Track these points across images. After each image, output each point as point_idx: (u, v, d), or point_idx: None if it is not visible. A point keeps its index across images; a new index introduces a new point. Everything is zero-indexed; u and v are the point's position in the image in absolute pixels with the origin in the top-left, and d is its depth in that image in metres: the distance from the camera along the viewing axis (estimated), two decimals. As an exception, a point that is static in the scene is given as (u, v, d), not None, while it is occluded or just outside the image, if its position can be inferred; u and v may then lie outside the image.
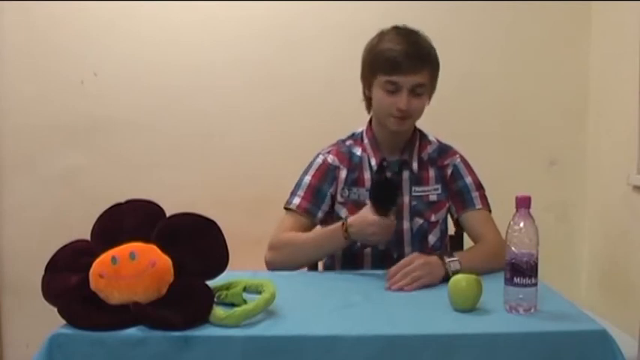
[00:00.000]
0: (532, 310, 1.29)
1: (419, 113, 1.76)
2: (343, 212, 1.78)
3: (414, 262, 1.52)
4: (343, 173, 1.81)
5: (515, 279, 1.28)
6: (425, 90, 1.72)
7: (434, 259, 1.55)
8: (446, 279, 1.49)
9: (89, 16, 2.66)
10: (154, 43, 2.68)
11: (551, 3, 2.66)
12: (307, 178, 1.82)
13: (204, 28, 2.68)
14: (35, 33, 2.68)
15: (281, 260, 1.72)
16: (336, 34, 2.67)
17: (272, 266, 1.73)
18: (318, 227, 1.81)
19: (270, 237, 1.76)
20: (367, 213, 1.60)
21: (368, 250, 1.79)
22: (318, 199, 1.80)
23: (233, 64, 2.69)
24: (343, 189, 1.80)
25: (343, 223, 1.63)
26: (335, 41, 2.68)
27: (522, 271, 1.27)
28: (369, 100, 1.82)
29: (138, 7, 2.66)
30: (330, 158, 1.83)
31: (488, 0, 2.66)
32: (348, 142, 1.86)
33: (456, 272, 1.52)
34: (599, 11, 2.65)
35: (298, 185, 1.83)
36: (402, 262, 1.54)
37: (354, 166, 1.82)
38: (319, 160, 1.84)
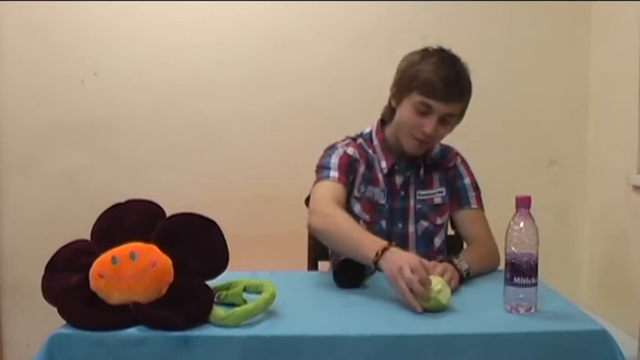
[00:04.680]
0: (532, 310, 1.29)
1: (438, 141, 1.77)
2: (357, 208, 1.77)
3: (437, 269, 1.44)
4: (362, 168, 1.79)
5: (515, 279, 1.28)
6: (452, 120, 1.71)
7: (446, 264, 1.50)
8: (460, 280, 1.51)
9: (89, 16, 2.66)
10: (154, 43, 2.68)
11: (551, 3, 2.66)
12: (335, 159, 1.76)
13: (204, 28, 2.68)
14: (35, 33, 2.67)
15: (324, 231, 1.60)
16: (336, 34, 2.67)
17: (317, 233, 1.63)
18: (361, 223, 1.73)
19: (311, 204, 1.69)
20: (413, 259, 1.40)
21: None
22: (348, 179, 1.75)
23: (233, 64, 2.69)
24: (360, 184, 1.78)
25: (381, 251, 1.43)
26: (335, 41, 2.68)
27: (522, 271, 1.27)
28: (392, 110, 1.78)
29: (138, 7, 2.66)
30: (350, 150, 1.80)
31: (488, 0, 2.66)
32: (359, 141, 1.84)
33: (467, 272, 1.54)
34: (599, 11, 2.65)
35: (327, 164, 1.75)
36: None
37: (370, 163, 1.80)
38: (340, 150, 1.79)
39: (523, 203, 1.30)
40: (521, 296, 1.28)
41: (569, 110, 2.74)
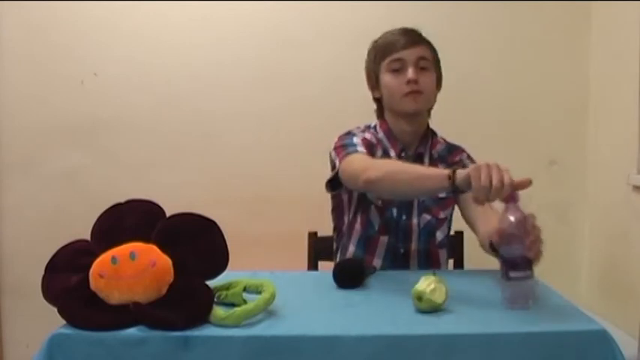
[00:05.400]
0: (530, 303, 1.29)
1: (430, 91, 1.77)
2: (370, 192, 1.74)
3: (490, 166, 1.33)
4: (379, 152, 1.80)
5: (510, 274, 1.28)
6: (430, 65, 1.76)
7: None
8: None
9: (89, 16, 2.66)
10: (154, 43, 2.68)
11: (551, 3, 2.66)
12: (357, 140, 1.76)
13: (204, 28, 2.68)
14: (35, 33, 2.68)
15: (387, 175, 1.54)
16: (336, 34, 2.67)
17: (380, 181, 1.54)
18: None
19: (358, 166, 1.63)
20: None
21: (385, 238, 1.79)
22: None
23: (233, 64, 2.69)
24: None
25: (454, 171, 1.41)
26: (335, 41, 2.68)
27: (517, 265, 1.27)
28: (379, 102, 1.84)
29: (138, 7, 2.66)
30: (368, 136, 1.81)
31: (488, 0, 2.66)
32: (369, 130, 1.86)
33: None
34: (599, 11, 2.65)
35: (351, 143, 1.74)
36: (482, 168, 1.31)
37: (384, 150, 1.81)
38: (359, 135, 1.79)
39: (510, 198, 1.29)
40: (518, 290, 1.29)
41: (569, 110, 2.74)
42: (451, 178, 1.37)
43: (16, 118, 2.70)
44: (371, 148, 1.76)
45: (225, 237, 1.34)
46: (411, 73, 1.73)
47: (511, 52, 2.71)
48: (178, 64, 2.69)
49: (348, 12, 2.65)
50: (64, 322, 1.23)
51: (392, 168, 1.59)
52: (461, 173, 1.36)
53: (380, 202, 1.78)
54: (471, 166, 1.34)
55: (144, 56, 2.68)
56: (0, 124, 2.70)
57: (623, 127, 2.40)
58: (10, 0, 2.63)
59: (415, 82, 1.72)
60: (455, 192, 1.41)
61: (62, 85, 2.69)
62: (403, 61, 1.74)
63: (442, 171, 1.44)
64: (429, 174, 1.49)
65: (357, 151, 1.70)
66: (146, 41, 2.68)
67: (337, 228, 1.92)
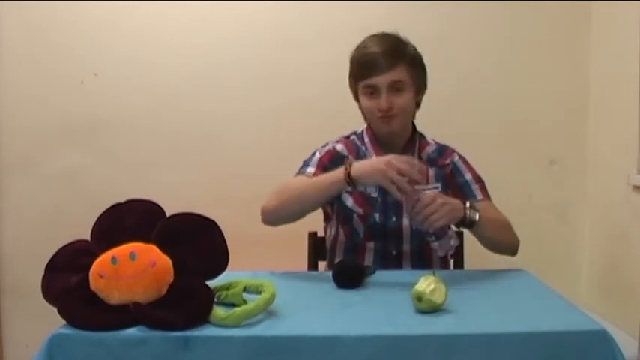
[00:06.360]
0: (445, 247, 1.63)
1: (404, 110, 1.77)
2: (349, 201, 1.80)
3: (435, 201, 1.50)
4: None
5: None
6: (405, 86, 1.74)
7: (456, 202, 1.57)
8: (462, 223, 1.59)
9: (89, 16, 2.66)
10: (154, 43, 2.68)
11: (551, 3, 2.66)
12: (317, 156, 1.83)
13: (204, 28, 2.68)
14: (35, 33, 2.67)
15: (279, 204, 1.71)
16: (336, 35, 2.67)
17: (276, 209, 1.71)
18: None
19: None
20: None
21: (371, 243, 1.80)
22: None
23: (233, 64, 2.69)
24: None
25: (348, 166, 1.58)
26: (335, 41, 2.66)
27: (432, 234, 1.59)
28: (362, 109, 1.86)
29: (138, 7, 2.65)
30: (339, 147, 1.86)
31: (488, 0, 2.66)
32: (351, 138, 1.89)
33: (472, 221, 1.59)
34: (599, 11, 2.65)
35: (308, 161, 1.83)
36: (424, 202, 1.50)
37: (361, 159, 1.82)
38: (328, 147, 1.86)
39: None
40: (436, 245, 1.61)
41: (569, 110, 2.73)
42: (348, 175, 1.55)
43: (16, 118, 2.70)
44: (334, 162, 1.79)
45: (225, 237, 1.34)
46: (383, 102, 1.73)
47: (511, 52, 2.71)
48: (178, 64, 2.69)
49: (348, 12, 2.65)
50: (64, 322, 1.23)
51: (286, 191, 1.71)
52: (356, 166, 1.55)
53: (361, 210, 1.79)
54: (374, 168, 1.52)
55: (144, 56, 2.68)
56: (0, 124, 2.70)
57: (623, 127, 2.40)
58: (10, 0, 2.63)
59: (389, 109, 1.73)
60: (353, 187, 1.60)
61: (62, 85, 2.69)
62: (376, 87, 1.74)
63: (338, 172, 1.59)
64: (324, 181, 1.64)
65: (303, 173, 1.78)
66: (146, 41, 2.68)
67: (327, 239, 1.94)
